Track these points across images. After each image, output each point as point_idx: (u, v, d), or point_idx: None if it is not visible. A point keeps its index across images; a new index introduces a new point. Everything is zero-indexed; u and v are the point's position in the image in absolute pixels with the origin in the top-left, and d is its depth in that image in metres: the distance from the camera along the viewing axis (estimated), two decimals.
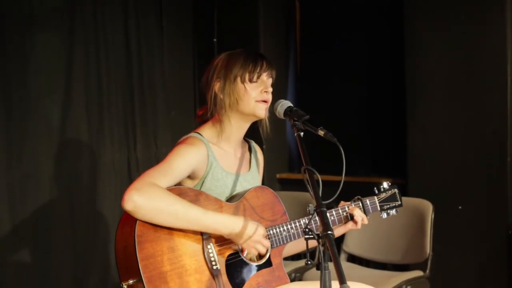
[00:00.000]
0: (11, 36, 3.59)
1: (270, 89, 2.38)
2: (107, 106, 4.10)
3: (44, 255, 3.73)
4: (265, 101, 2.35)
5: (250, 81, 2.35)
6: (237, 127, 2.40)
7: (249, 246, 2.25)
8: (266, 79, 2.38)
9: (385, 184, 2.61)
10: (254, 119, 2.41)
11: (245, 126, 2.43)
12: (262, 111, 2.35)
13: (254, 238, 2.24)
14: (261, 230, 2.27)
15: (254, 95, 2.34)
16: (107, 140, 4.11)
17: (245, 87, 2.34)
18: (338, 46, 4.72)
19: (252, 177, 2.50)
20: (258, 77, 2.36)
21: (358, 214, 2.46)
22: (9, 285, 3.55)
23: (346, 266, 3.81)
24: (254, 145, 2.60)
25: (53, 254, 3.78)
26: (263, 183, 2.59)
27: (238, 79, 2.34)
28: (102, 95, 4.07)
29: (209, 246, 2.21)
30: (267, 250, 2.32)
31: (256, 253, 2.30)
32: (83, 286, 3.96)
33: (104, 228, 4.07)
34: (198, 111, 2.49)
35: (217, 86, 2.37)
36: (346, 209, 2.48)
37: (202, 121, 2.47)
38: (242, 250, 2.30)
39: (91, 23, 4.02)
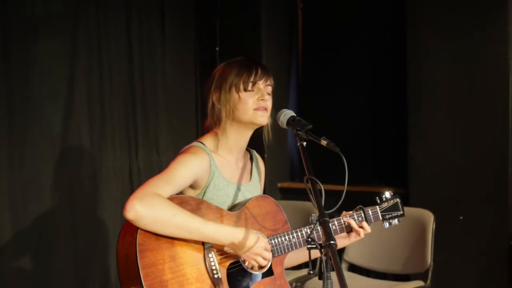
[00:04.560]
0: (14, 41, 3.61)
1: (267, 97, 2.35)
2: (109, 113, 4.11)
3: (45, 261, 3.73)
4: (262, 109, 2.35)
5: (245, 90, 2.33)
6: (236, 136, 2.39)
7: (249, 257, 2.25)
8: (263, 87, 2.36)
9: (387, 194, 2.59)
10: (255, 127, 2.40)
11: (246, 134, 2.41)
12: (261, 118, 2.34)
13: (255, 250, 2.23)
14: (262, 243, 2.26)
15: (250, 104, 2.32)
16: (108, 147, 4.12)
17: (239, 96, 2.32)
18: (340, 55, 4.72)
19: (253, 187, 2.50)
20: (254, 85, 2.34)
21: (354, 224, 2.44)
22: None
23: (347, 275, 3.79)
24: (256, 154, 2.60)
25: (54, 260, 3.78)
26: (264, 192, 2.59)
27: (233, 89, 2.33)
28: (104, 102, 4.08)
29: (210, 255, 2.21)
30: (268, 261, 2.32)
31: (257, 265, 2.28)
32: None
33: (105, 234, 4.06)
34: (205, 121, 2.48)
35: (214, 96, 2.37)
36: (341, 219, 2.46)
37: (206, 130, 2.47)
38: (243, 260, 2.29)
39: (94, 30, 4.03)
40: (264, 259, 2.27)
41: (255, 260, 2.25)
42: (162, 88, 4.52)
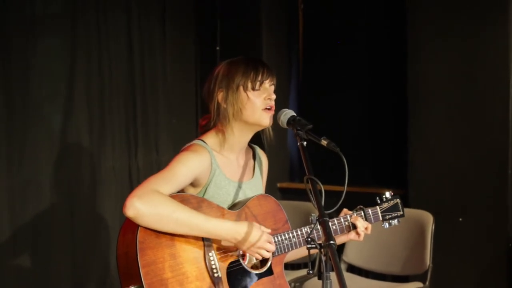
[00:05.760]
0: (13, 41, 3.60)
1: (274, 96, 2.37)
2: (109, 113, 4.11)
3: (44, 260, 3.73)
4: (269, 109, 2.35)
5: (253, 89, 2.34)
6: (240, 136, 2.40)
7: (252, 251, 2.25)
8: (268, 86, 2.37)
9: (388, 194, 2.61)
10: (259, 129, 2.41)
11: (249, 135, 2.42)
12: (267, 120, 2.35)
13: (258, 244, 2.23)
14: (265, 236, 2.26)
15: (259, 104, 2.33)
16: (108, 146, 4.11)
17: (248, 95, 2.33)
18: (340, 56, 4.72)
19: (255, 184, 2.50)
20: (261, 85, 2.35)
21: (361, 225, 2.46)
22: None
23: (346, 276, 3.77)
24: (259, 151, 2.60)
25: (53, 259, 3.78)
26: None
27: (241, 88, 2.34)
28: (104, 102, 4.08)
29: (210, 254, 2.21)
30: (268, 259, 2.32)
31: (260, 258, 2.29)
32: None
33: (104, 234, 4.06)
34: (201, 121, 2.48)
35: (220, 96, 2.36)
36: (348, 218, 2.48)
37: (201, 129, 2.47)
38: (243, 258, 2.30)
39: (94, 30, 4.03)
40: (268, 251, 2.27)
41: (258, 254, 2.26)
42: (162, 87, 4.52)
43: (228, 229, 2.19)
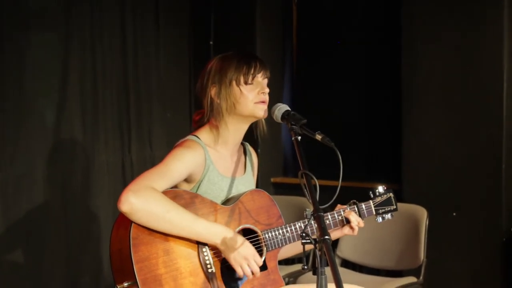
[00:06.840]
0: (7, 35, 3.58)
1: (267, 90, 2.36)
2: (102, 107, 4.09)
3: (37, 255, 3.72)
4: (263, 102, 2.34)
5: (246, 83, 2.33)
6: (234, 130, 2.39)
7: (236, 260, 2.20)
8: (261, 80, 2.37)
9: (381, 189, 2.60)
10: (253, 120, 2.40)
11: (244, 128, 2.42)
12: (261, 112, 2.34)
13: (244, 255, 2.20)
14: (253, 250, 2.23)
15: (252, 97, 2.33)
16: (101, 141, 4.10)
17: (241, 90, 2.33)
18: (334, 50, 4.72)
19: (247, 180, 2.50)
20: (253, 79, 2.34)
21: (354, 219, 2.45)
22: (1, 285, 3.53)
23: (339, 271, 3.79)
24: (249, 147, 2.60)
25: (46, 254, 3.77)
26: (256, 187, 2.58)
27: (234, 83, 2.33)
28: (98, 96, 4.06)
29: (204, 249, 2.20)
30: (262, 254, 2.31)
31: (241, 272, 2.21)
32: (76, 286, 3.94)
33: (97, 229, 4.05)
34: (195, 116, 2.47)
35: (213, 91, 2.36)
36: (342, 213, 2.47)
37: (195, 125, 2.46)
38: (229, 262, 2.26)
39: (88, 24, 4.01)
40: (249, 266, 2.21)
41: (240, 265, 2.19)
42: (156, 81, 4.50)
43: (217, 232, 2.17)
